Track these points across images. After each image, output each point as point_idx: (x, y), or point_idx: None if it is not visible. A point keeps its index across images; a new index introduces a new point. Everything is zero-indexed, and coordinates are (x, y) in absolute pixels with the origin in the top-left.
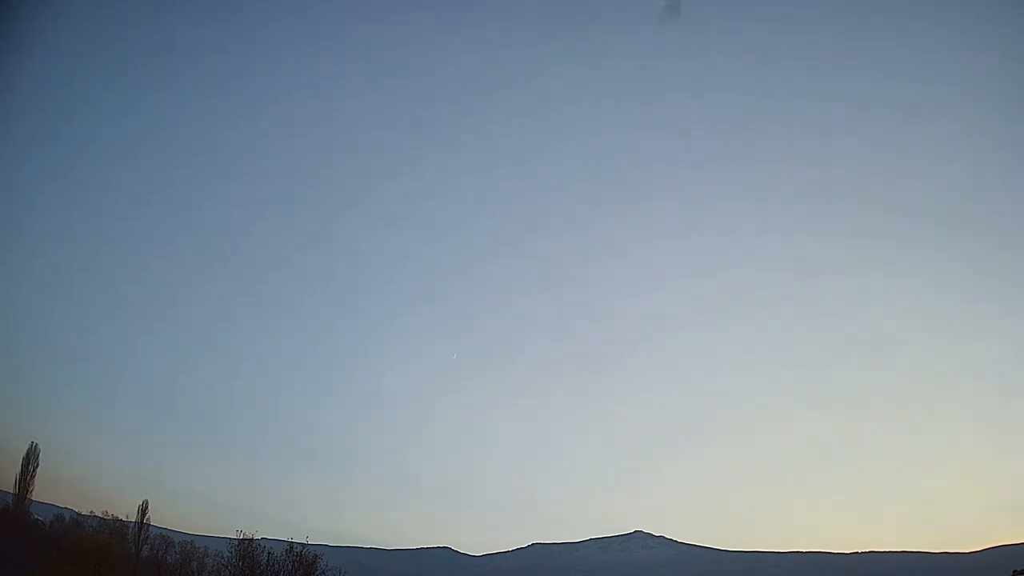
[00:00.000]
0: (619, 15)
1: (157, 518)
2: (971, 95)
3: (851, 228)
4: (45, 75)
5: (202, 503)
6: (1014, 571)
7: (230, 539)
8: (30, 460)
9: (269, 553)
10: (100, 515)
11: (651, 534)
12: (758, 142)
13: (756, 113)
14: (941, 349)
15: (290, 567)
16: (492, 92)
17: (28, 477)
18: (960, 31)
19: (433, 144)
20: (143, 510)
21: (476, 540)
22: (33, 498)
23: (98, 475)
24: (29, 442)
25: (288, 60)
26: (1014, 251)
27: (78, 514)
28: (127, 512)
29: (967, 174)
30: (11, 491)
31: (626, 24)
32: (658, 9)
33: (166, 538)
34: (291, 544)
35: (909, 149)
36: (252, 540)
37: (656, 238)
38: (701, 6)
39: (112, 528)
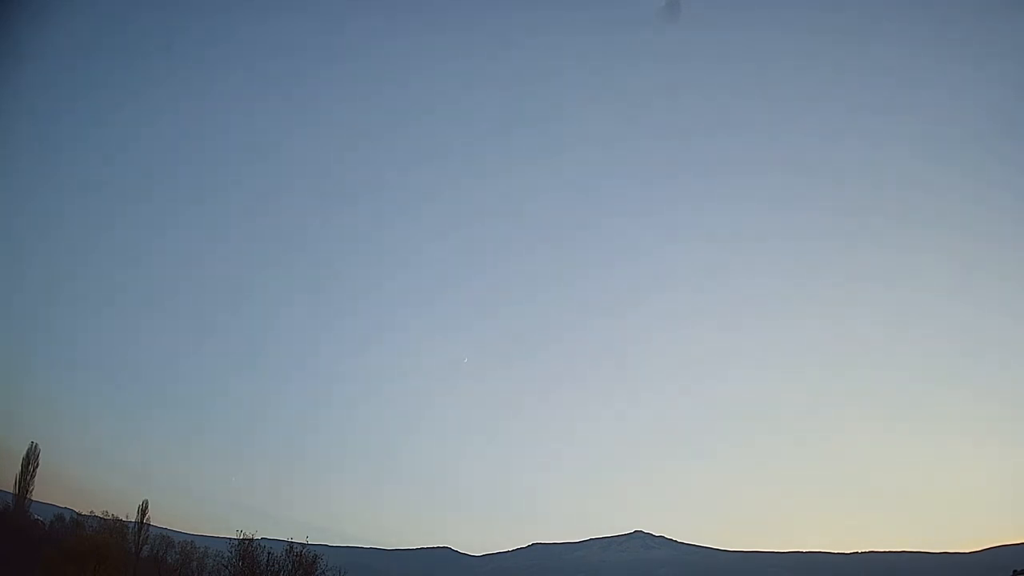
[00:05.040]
0: (619, 16)
1: (157, 518)
2: (974, 98)
3: (854, 233)
4: (46, 70)
5: (202, 503)
6: (1014, 571)
7: (230, 539)
8: (30, 460)
9: (269, 553)
10: (100, 515)
11: (651, 534)
12: (764, 145)
13: (760, 116)
14: (941, 351)
15: (290, 567)
16: (497, 93)
17: (28, 477)
18: (962, 33)
19: (442, 144)
20: (143, 510)
21: (476, 540)
22: (33, 498)
23: (98, 475)
24: (29, 442)
25: (302, 55)
26: (1014, 258)
27: (78, 514)
28: (127, 512)
29: (970, 179)
30: (11, 491)
31: (627, 25)
32: (658, 9)
33: (166, 538)
34: (291, 544)
35: (917, 154)
36: (252, 540)
37: (661, 242)
38: (701, 6)
39: (112, 528)
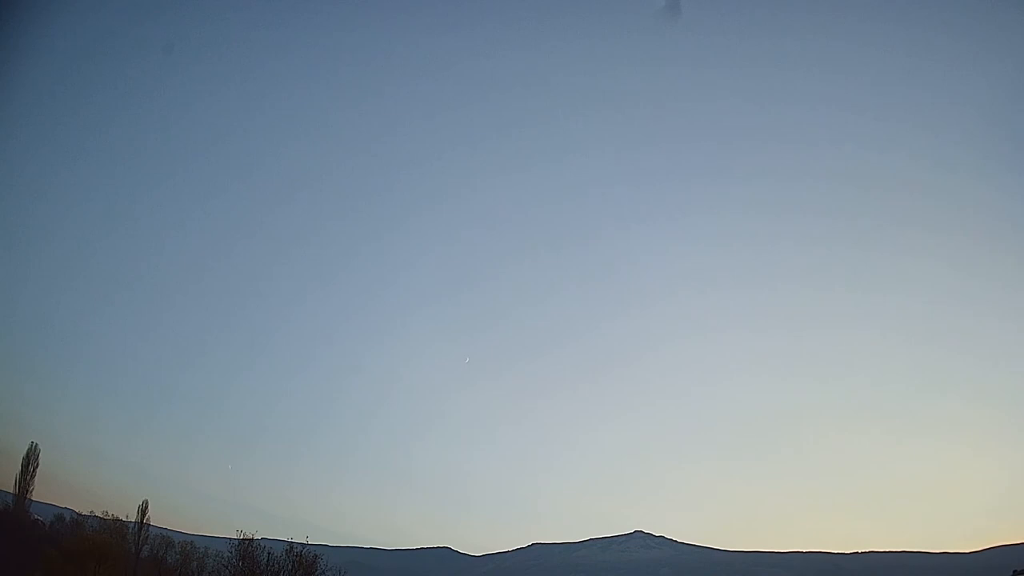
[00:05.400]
0: (620, 17)
1: (157, 518)
2: (974, 100)
3: (852, 237)
4: (48, 73)
5: (202, 503)
6: (1014, 571)
7: (230, 539)
8: (30, 460)
9: (269, 553)
10: (100, 515)
11: (651, 534)
12: (763, 149)
13: (761, 119)
14: (941, 351)
15: (290, 567)
16: (493, 97)
17: (28, 477)
18: (962, 35)
19: (442, 147)
20: (143, 510)
21: (476, 540)
22: (33, 498)
23: (98, 475)
24: (29, 442)
25: (305, 58)
26: (1013, 260)
27: (78, 514)
28: (127, 512)
29: (967, 181)
30: (11, 491)
31: (627, 27)
32: (658, 9)
33: (166, 538)
34: (291, 544)
35: (916, 157)
36: (252, 540)
37: (661, 245)
38: (700, 9)
39: (112, 528)
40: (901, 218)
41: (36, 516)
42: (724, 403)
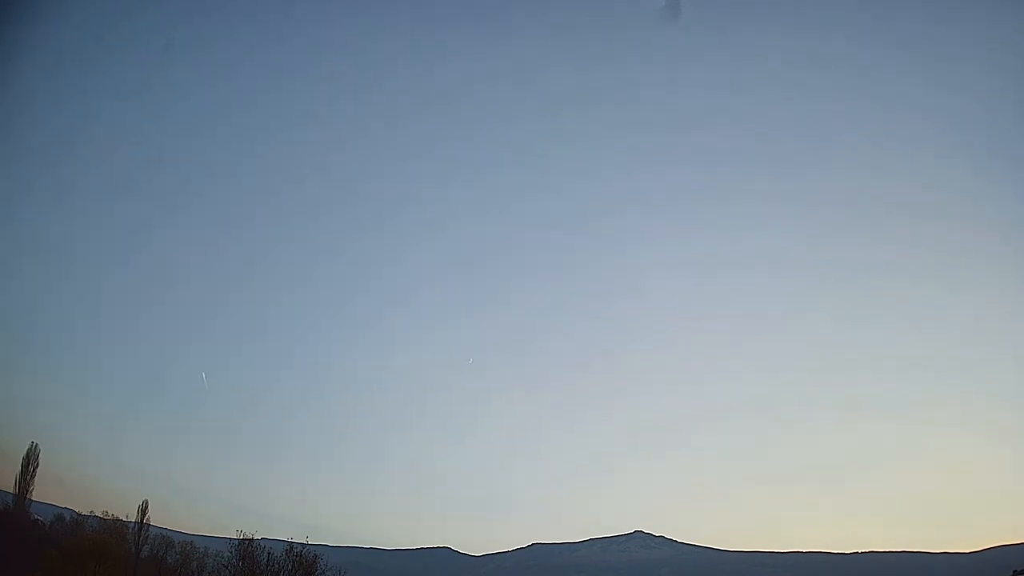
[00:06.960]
0: (619, 14)
1: (157, 518)
2: (974, 96)
3: (852, 230)
4: (43, 67)
5: (202, 503)
6: (1014, 571)
7: (230, 539)
8: (30, 460)
9: (269, 553)
10: (100, 515)
11: (651, 534)
12: (764, 142)
13: (759, 111)
14: (942, 349)
15: (290, 567)
16: (491, 90)
17: (28, 477)
18: (963, 30)
19: (438, 143)
20: (143, 510)
21: (476, 540)
22: (33, 498)
23: (98, 475)
24: (29, 442)
25: (295, 52)
26: (1014, 254)
27: (78, 514)
28: (127, 512)
29: (970, 173)
30: (11, 491)
31: (627, 23)
32: (659, 8)
33: (166, 538)
34: (291, 544)
35: (918, 150)
36: (252, 540)
37: (661, 237)
38: (701, 5)
39: (112, 528)
40: (907, 210)
41: (36, 516)
42: (725, 402)
